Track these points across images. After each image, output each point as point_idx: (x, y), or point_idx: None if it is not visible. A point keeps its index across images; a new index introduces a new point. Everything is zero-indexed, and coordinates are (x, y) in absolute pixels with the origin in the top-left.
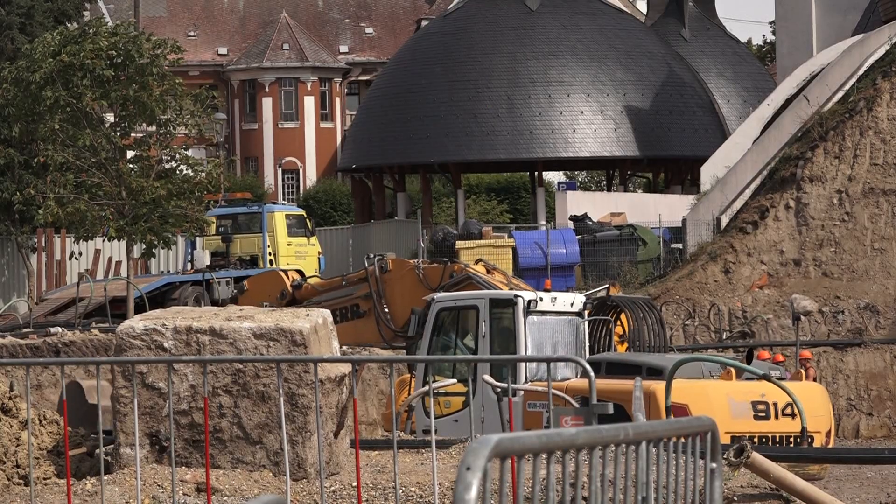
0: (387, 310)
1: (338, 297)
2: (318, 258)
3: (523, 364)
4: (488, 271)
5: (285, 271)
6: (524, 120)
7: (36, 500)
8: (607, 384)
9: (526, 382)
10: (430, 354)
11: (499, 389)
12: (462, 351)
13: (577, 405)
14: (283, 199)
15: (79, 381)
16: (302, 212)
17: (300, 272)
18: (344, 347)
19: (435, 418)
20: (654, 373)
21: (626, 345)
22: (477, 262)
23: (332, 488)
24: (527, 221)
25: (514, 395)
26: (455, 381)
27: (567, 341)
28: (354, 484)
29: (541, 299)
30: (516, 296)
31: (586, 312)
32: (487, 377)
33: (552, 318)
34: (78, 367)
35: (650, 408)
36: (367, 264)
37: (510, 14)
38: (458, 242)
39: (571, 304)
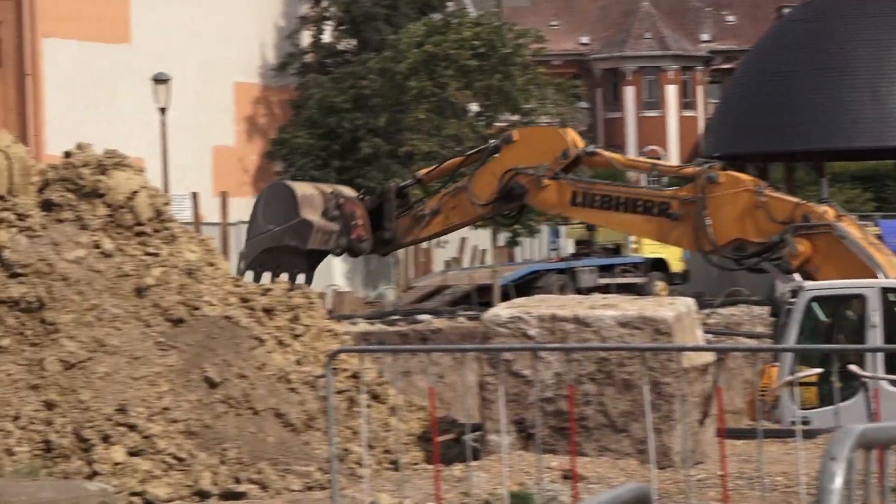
0: (708, 221)
1: (646, 189)
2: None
3: None
4: (839, 217)
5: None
6: (889, 107)
7: (405, 485)
8: None
9: None
10: (797, 343)
11: (864, 380)
12: (836, 340)
13: None
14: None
15: (289, 185)
16: None
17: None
18: (708, 336)
19: (803, 408)
20: None
21: None
22: (821, 201)
23: (698, 477)
24: (893, 210)
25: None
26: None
27: None
28: (720, 473)
29: None
30: None
31: None
32: (854, 367)
33: None
34: (444, 355)
35: None
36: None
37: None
38: None
39: None
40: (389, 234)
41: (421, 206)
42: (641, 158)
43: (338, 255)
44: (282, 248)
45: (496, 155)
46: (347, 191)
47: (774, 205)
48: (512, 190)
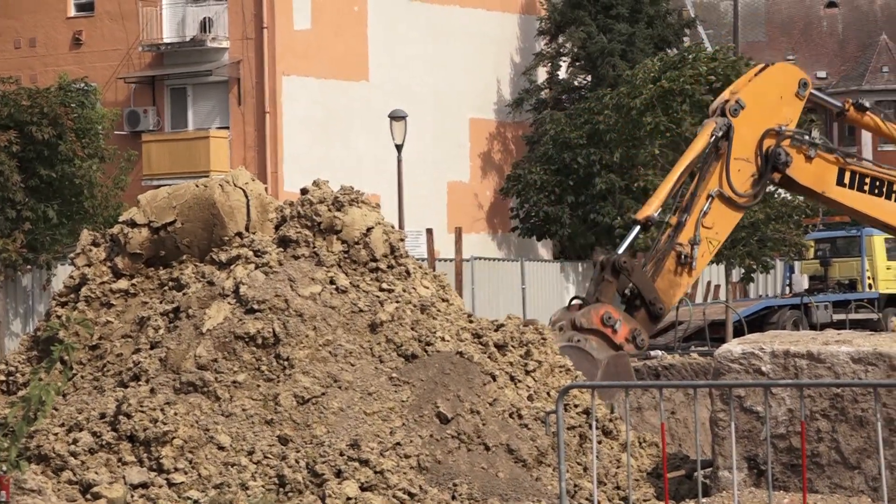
0: None
1: None
2: None
3: None
4: None
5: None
6: None
7: None
8: None
9: None
10: None
11: None
12: None
13: None
14: None
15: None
16: None
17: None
18: None
19: None
20: None
21: None
22: None
23: None
24: None
25: None
26: None
27: None
28: None
29: None
30: None
31: None
32: None
33: None
34: (676, 391)
35: None
36: None
37: None
38: None
39: None
40: (659, 307)
41: (665, 250)
42: None
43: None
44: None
45: (729, 135)
46: (582, 310)
47: None
48: (777, 157)
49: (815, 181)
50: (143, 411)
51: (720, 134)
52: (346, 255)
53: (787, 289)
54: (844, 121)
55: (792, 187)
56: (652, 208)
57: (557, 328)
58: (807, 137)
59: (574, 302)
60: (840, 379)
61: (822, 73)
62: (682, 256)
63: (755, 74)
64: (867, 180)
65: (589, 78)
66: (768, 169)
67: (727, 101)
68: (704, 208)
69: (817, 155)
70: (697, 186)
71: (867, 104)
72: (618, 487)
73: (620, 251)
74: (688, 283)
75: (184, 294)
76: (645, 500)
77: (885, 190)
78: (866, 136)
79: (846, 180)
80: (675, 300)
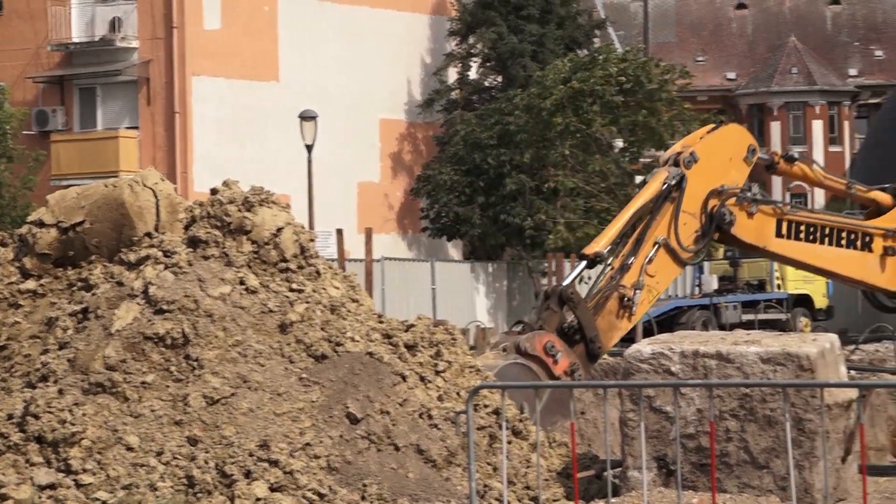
0: None
1: (852, 219)
2: (827, 283)
3: None
4: None
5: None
6: None
7: None
8: None
9: None
10: None
11: None
12: None
13: None
14: None
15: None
16: None
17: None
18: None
19: None
20: None
21: None
22: None
23: None
24: None
25: None
26: None
27: None
28: None
29: None
30: None
31: None
32: None
33: None
34: (586, 391)
35: None
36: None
37: None
38: None
39: None
40: (598, 346)
41: (607, 290)
42: (836, 176)
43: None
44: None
45: (682, 185)
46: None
47: None
48: (722, 218)
49: (757, 236)
50: (50, 412)
51: (673, 182)
52: (255, 256)
53: (697, 289)
54: (774, 173)
55: (735, 244)
56: (600, 245)
57: (501, 349)
58: (748, 193)
59: (515, 328)
60: (749, 379)
61: (731, 75)
62: (625, 299)
63: (708, 132)
64: (802, 228)
65: (500, 78)
66: (712, 228)
67: (680, 153)
68: (650, 255)
69: (758, 210)
70: (644, 231)
71: (795, 155)
72: (527, 487)
73: (566, 283)
74: (626, 327)
75: (93, 294)
76: (555, 500)
77: (818, 235)
78: (774, 139)
79: (784, 231)
80: (611, 343)
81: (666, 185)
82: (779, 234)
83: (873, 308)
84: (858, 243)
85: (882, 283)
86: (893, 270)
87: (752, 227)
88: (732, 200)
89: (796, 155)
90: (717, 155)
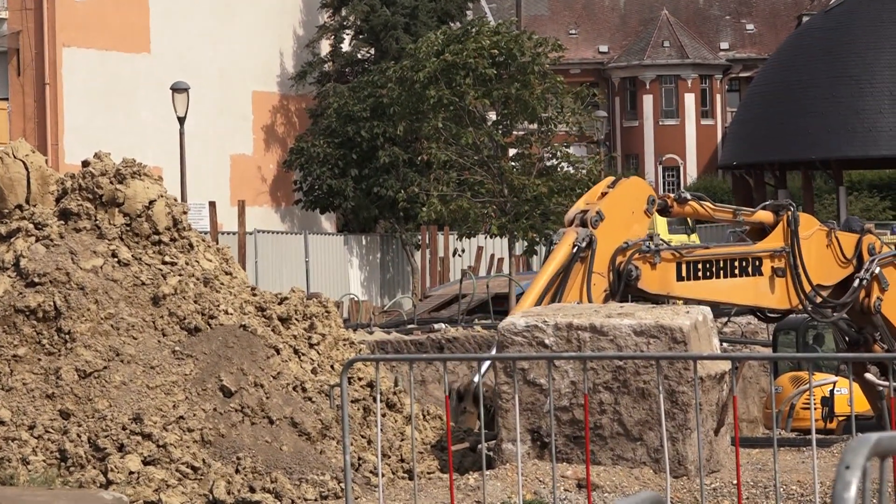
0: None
1: (730, 248)
2: None
3: None
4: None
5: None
6: None
7: (420, 494)
8: None
9: None
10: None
11: (880, 388)
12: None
13: None
14: None
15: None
16: None
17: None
18: (724, 345)
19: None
20: None
21: None
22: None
23: (713, 486)
24: None
25: None
26: (837, 378)
27: None
28: (735, 481)
29: None
30: None
31: None
32: (869, 375)
33: None
34: (460, 364)
35: None
36: (777, 211)
37: (893, 8)
38: None
39: None
40: None
41: None
42: (723, 206)
43: None
44: None
45: (592, 247)
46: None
47: (843, 241)
48: (629, 275)
49: (661, 285)
50: None
51: (583, 244)
52: (128, 228)
53: None
54: (668, 216)
55: (642, 296)
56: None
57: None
58: (650, 244)
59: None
60: (623, 351)
61: (603, 48)
62: None
63: (608, 186)
64: (700, 266)
65: (372, 51)
66: (621, 286)
67: (585, 212)
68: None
69: (661, 259)
70: (557, 297)
71: (687, 196)
72: (402, 460)
73: (475, 382)
74: None
75: None
76: (429, 473)
77: (714, 270)
78: (647, 112)
79: (684, 273)
80: None
81: (576, 248)
82: (679, 278)
83: (758, 320)
84: (749, 269)
85: (773, 304)
86: (781, 291)
87: (656, 277)
88: (637, 255)
89: (688, 196)
90: (620, 211)
